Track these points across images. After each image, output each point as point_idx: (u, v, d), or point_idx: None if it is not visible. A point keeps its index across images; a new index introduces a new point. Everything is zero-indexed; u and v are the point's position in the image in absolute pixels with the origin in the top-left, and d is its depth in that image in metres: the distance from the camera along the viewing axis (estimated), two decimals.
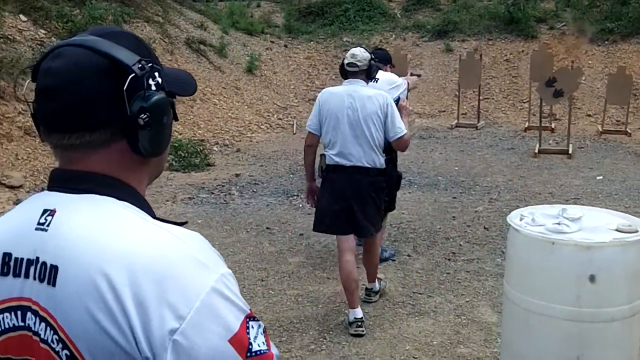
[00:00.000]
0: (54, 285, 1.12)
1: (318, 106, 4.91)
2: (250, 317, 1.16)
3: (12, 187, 8.74)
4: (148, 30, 14.48)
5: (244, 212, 7.85)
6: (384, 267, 6.00)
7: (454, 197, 8.41)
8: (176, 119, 1.31)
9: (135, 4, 15.05)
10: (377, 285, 5.31)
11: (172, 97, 1.28)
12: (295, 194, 8.65)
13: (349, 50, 4.98)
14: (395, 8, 19.64)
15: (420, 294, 5.43)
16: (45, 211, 1.19)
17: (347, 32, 18.49)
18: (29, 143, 9.75)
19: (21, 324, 1.17)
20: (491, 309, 5.12)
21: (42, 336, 1.15)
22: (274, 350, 1.18)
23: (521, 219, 3.34)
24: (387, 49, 7.76)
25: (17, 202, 8.32)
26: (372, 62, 4.84)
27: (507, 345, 3.55)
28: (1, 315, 1.19)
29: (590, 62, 15.38)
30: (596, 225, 3.26)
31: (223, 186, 9.12)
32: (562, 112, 13.61)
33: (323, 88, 16.52)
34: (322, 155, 4.92)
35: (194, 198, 8.48)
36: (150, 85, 1.21)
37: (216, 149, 11.65)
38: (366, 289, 5.33)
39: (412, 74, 9.06)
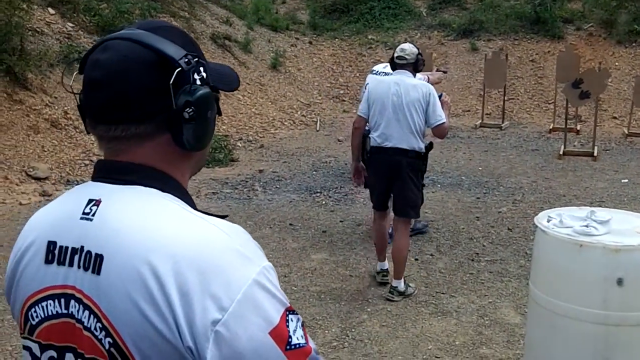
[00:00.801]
0: (98, 273, 1.14)
1: (367, 93, 5.33)
2: (290, 311, 1.17)
3: (38, 179, 8.83)
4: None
5: (267, 208, 7.87)
6: (407, 266, 5.99)
7: (478, 198, 8.37)
8: (220, 114, 1.30)
9: None
10: (402, 285, 5.33)
11: (216, 92, 1.27)
12: (318, 190, 8.66)
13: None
14: (420, 6, 19.55)
15: (443, 293, 5.42)
16: (90, 201, 1.20)
17: (372, 30, 18.43)
18: (55, 135, 9.84)
19: (64, 311, 1.19)
20: (514, 310, 5.09)
21: (85, 324, 1.16)
22: (312, 344, 1.18)
23: (548, 221, 3.32)
24: None
25: (42, 193, 8.42)
26: (419, 56, 5.31)
27: (531, 347, 3.52)
28: (45, 302, 1.21)
29: (617, 63, 15.22)
30: (624, 228, 3.23)
31: (246, 182, 9.16)
32: (588, 113, 13.49)
33: (347, 86, 16.55)
34: (368, 138, 5.34)
35: (217, 193, 8.52)
36: (196, 79, 1.21)
37: (240, 145, 11.69)
38: (391, 286, 5.37)
39: (438, 70, 9.08)
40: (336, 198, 8.37)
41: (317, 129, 13.71)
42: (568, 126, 11.65)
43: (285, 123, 13.85)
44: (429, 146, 5.44)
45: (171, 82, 1.17)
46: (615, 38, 15.81)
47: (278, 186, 8.94)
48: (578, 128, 12.92)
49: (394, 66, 5.32)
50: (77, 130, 10.16)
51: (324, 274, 5.82)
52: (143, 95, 1.18)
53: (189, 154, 1.27)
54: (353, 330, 4.79)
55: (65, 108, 10.38)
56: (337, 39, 18.23)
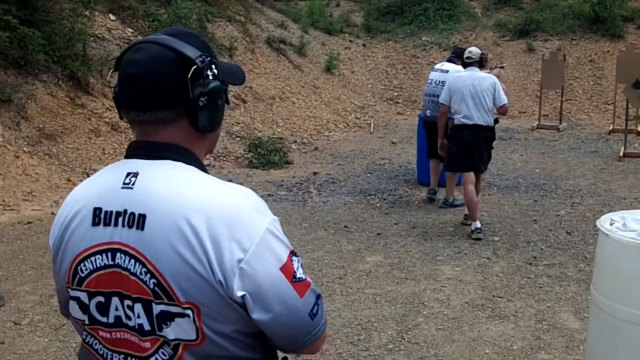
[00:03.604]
0: (142, 229, 1.42)
1: (448, 86, 7.03)
2: (293, 253, 1.49)
3: None
4: (230, 29, 14.74)
5: (322, 210, 7.90)
6: (462, 269, 5.95)
7: (535, 200, 8.24)
8: (228, 103, 1.61)
9: (218, 3, 15.34)
10: (478, 223, 6.85)
11: (225, 85, 1.56)
12: (372, 193, 8.65)
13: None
14: (476, 7, 19.36)
15: (500, 297, 5.35)
16: (129, 174, 1.48)
17: (426, 32, 18.33)
18: (115, 138, 10.07)
19: (111, 262, 1.46)
20: (573, 315, 5.00)
21: (131, 270, 1.43)
22: (310, 280, 1.51)
23: (611, 224, 3.25)
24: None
25: None
26: (482, 55, 7.18)
27: (592, 352, 3.46)
28: (93, 257, 1.48)
29: None
30: None
31: (301, 184, 9.21)
32: None
33: (401, 88, 16.49)
34: (451, 119, 6.93)
35: (273, 195, 8.59)
36: (208, 75, 1.50)
37: (294, 147, 11.76)
38: (475, 228, 6.84)
39: (496, 66, 9.17)
40: (390, 200, 8.35)
41: (371, 131, 13.70)
42: (628, 127, 11.41)
43: (339, 125, 13.88)
44: (496, 121, 7.07)
45: (189, 76, 1.46)
46: None
47: (332, 188, 8.97)
48: (639, 129, 12.62)
49: (465, 65, 7.18)
50: None
51: (379, 277, 5.82)
52: (167, 87, 1.47)
53: (203, 135, 1.56)
54: (409, 333, 4.77)
55: None
56: (390, 41, 18.19)
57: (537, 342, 4.61)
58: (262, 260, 1.40)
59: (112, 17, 12.45)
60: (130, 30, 12.48)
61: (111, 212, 1.46)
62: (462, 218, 7.42)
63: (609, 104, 14.18)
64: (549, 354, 4.46)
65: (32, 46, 9.53)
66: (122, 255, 1.44)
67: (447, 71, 7.93)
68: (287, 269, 1.44)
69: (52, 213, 7.86)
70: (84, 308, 1.52)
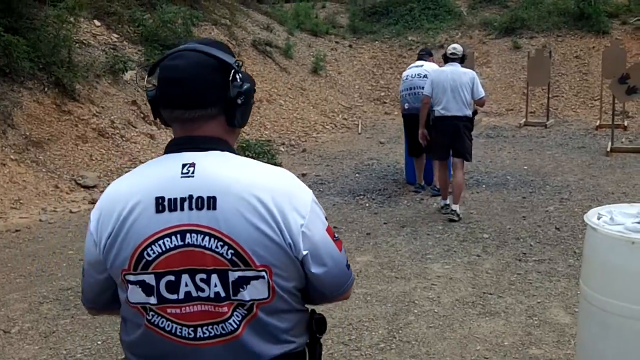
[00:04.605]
0: (214, 209, 1.63)
1: (431, 80, 7.53)
2: (326, 218, 1.81)
3: (87, 187, 9.02)
4: (216, 33, 14.71)
5: None
6: (452, 267, 5.95)
7: (524, 197, 8.27)
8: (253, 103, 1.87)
9: (203, 7, 15.33)
10: (459, 209, 7.34)
11: (254, 86, 1.83)
12: (361, 193, 8.65)
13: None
14: (461, 6, 19.42)
15: (490, 294, 5.35)
16: (184, 165, 1.68)
17: (412, 31, 18.38)
18: (102, 144, 10.03)
19: (181, 243, 1.64)
20: (564, 310, 5.01)
21: (206, 246, 1.64)
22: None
23: (599, 218, 3.26)
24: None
25: (91, 201, 8.58)
26: (464, 52, 7.69)
27: (582, 347, 3.47)
28: (162, 240, 1.65)
29: None
30: None
31: None
32: (636, 109, 13.26)
33: (388, 88, 16.54)
34: (432, 111, 7.49)
35: None
36: (240, 77, 1.75)
37: (282, 149, 11.76)
38: (451, 210, 7.34)
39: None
40: (379, 200, 8.36)
41: (359, 131, 13.70)
42: (615, 122, 11.46)
43: (327, 127, 13.88)
44: (474, 112, 7.63)
45: (230, 79, 1.72)
46: None
47: (321, 189, 8.96)
48: (625, 124, 12.69)
49: (447, 60, 7.56)
50: (124, 139, 10.34)
51: (369, 276, 5.81)
52: (210, 88, 1.71)
53: (234, 130, 1.82)
54: (400, 331, 4.77)
55: (112, 117, 10.57)
56: (377, 42, 18.22)
57: (527, 338, 4.61)
58: (315, 224, 1.72)
59: (97, 23, 12.41)
60: (115, 35, 12.44)
61: (175, 199, 1.65)
62: (447, 213, 7.54)
63: (595, 100, 14.25)
64: (540, 349, 4.46)
65: (17, 53, 9.49)
66: (194, 235, 1.64)
67: (421, 65, 8.64)
68: (329, 230, 1.77)
69: (40, 220, 7.83)
70: (150, 290, 1.68)
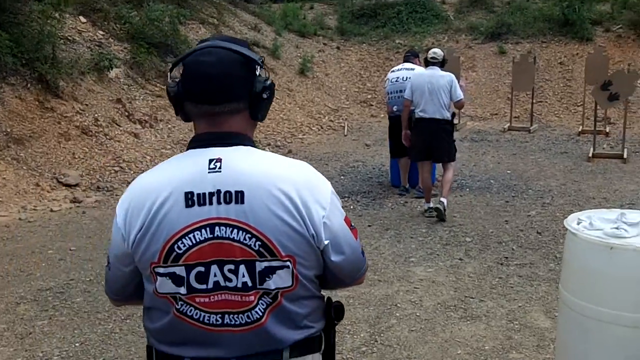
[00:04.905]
0: (242, 202, 1.72)
1: (411, 84, 7.76)
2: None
3: (68, 186, 8.94)
4: (203, 32, 14.67)
5: None
6: (434, 271, 5.97)
7: (507, 201, 8.31)
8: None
9: (190, 5, 15.27)
10: (445, 201, 7.47)
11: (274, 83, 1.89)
12: (346, 195, 8.66)
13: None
14: (448, 10, 19.49)
15: (472, 298, 5.37)
16: (211, 160, 1.75)
17: (399, 34, 18.42)
18: (85, 142, 9.96)
19: (210, 235, 1.73)
20: (544, 315, 5.04)
21: (235, 238, 1.72)
22: None
23: (578, 223, 3.28)
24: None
25: (73, 200, 8.51)
26: (445, 57, 7.85)
27: (562, 351, 3.49)
28: (192, 234, 1.73)
29: None
30: None
31: None
32: (617, 115, 13.34)
33: (374, 90, 16.57)
34: (413, 112, 7.74)
35: None
36: (262, 73, 1.85)
37: (268, 150, 11.73)
38: (440, 201, 7.50)
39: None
40: (364, 202, 8.37)
41: (345, 133, 13.72)
42: (597, 128, 11.54)
43: (313, 128, 13.88)
44: (453, 115, 7.84)
45: (256, 74, 1.82)
46: None
47: None
48: (607, 130, 12.79)
49: (427, 64, 7.76)
50: (107, 137, 10.27)
51: None
52: (237, 83, 1.80)
53: (255, 124, 1.91)
54: (382, 335, 4.77)
55: (96, 115, 10.50)
56: (364, 44, 18.24)
57: (508, 342, 4.63)
58: (334, 215, 1.81)
59: (82, 19, 12.33)
60: (101, 32, 12.37)
61: (204, 193, 1.72)
62: (430, 216, 7.64)
63: (578, 106, 14.34)
64: (520, 353, 4.49)
65: (0, 48, 9.40)
66: (223, 227, 1.72)
67: (412, 69, 8.61)
68: (347, 220, 1.87)
69: (20, 219, 7.75)
70: (180, 281, 1.75)
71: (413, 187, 8.69)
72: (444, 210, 7.39)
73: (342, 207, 1.88)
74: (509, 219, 7.52)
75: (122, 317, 5.12)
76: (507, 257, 6.28)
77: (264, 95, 1.82)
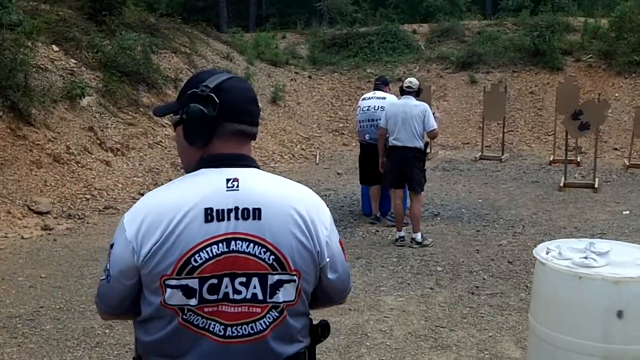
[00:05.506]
0: (259, 219, 1.82)
1: (385, 112, 7.95)
2: None
3: (40, 213, 8.83)
4: (175, 61, 14.68)
5: None
6: (405, 300, 5.96)
7: (478, 230, 8.35)
8: None
9: (163, 35, 15.28)
10: (419, 237, 7.66)
11: None
12: None
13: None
14: (419, 40, 19.72)
15: (442, 327, 5.37)
16: (228, 180, 1.85)
17: (371, 64, 18.59)
18: (57, 170, 9.86)
19: (226, 249, 1.80)
20: (515, 344, 5.04)
21: (250, 252, 1.81)
22: None
23: (547, 252, 3.31)
24: None
25: (44, 227, 8.41)
26: (420, 87, 8.00)
27: None
28: (209, 247, 1.80)
29: (617, 94, 15.31)
30: (624, 259, 3.22)
31: None
32: (588, 145, 13.53)
33: (346, 119, 16.60)
34: (387, 139, 7.90)
35: None
36: None
37: None
38: (411, 238, 7.70)
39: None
40: None
41: (317, 162, 13.75)
42: (568, 158, 11.66)
43: (285, 157, 13.90)
44: (426, 144, 8.01)
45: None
46: (615, 69, 15.91)
47: None
48: (579, 160, 12.95)
49: (403, 92, 7.89)
50: (79, 165, 10.19)
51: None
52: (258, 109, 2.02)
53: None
54: None
55: (68, 143, 10.42)
56: (336, 73, 18.36)
57: None
58: (334, 236, 1.95)
59: (55, 48, 12.27)
60: (73, 61, 12.31)
61: (222, 210, 1.80)
62: (402, 245, 7.74)
63: (549, 135, 14.53)
64: None
65: None
66: (239, 242, 1.80)
67: (384, 98, 8.77)
68: (341, 242, 2.01)
69: None
70: (192, 293, 1.80)
71: (384, 216, 8.71)
72: (419, 243, 7.63)
73: None
74: (480, 248, 7.56)
75: (92, 345, 5.05)
76: (477, 287, 6.30)
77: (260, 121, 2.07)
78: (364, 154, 8.87)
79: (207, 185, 1.85)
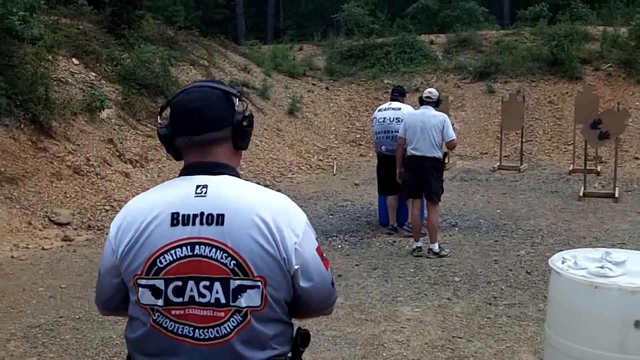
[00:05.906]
0: (222, 224, 1.87)
1: (404, 122, 7.96)
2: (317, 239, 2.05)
3: (60, 224, 8.94)
4: (193, 73, 14.79)
5: None
6: (422, 310, 5.95)
7: (496, 241, 8.32)
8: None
9: (181, 47, 15.43)
10: (436, 247, 7.67)
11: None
12: (334, 234, 8.66)
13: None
14: (436, 50, 19.73)
15: (460, 338, 5.35)
16: (198, 186, 1.92)
17: (388, 74, 18.61)
18: (77, 182, 9.97)
19: (190, 253, 1.87)
20: (533, 355, 5.02)
21: (212, 257, 1.86)
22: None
23: (563, 262, 3.30)
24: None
25: (64, 238, 8.51)
26: (440, 97, 8.00)
27: None
28: (174, 250, 1.88)
29: (637, 103, 15.21)
30: None
31: None
32: (608, 154, 13.43)
33: (363, 130, 16.63)
34: (405, 150, 7.87)
35: None
36: (240, 105, 2.04)
37: None
38: (428, 249, 7.71)
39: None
40: (352, 242, 8.37)
41: (334, 173, 13.76)
42: (588, 167, 11.58)
43: (302, 167, 13.93)
44: (445, 154, 7.98)
45: (236, 105, 2.02)
46: (635, 78, 15.80)
47: None
48: (598, 169, 12.85)
49: (422, 102, 7.89)
50: (99, 176, 10.29)
51: (339, 318, 5.78)
52: (218, 113, 1.99)
53: (239, 153, 2.08)
54: None
55: (88, 155, 10.54)
56: (353, 84, 18.41)
57: None
58: (307, 243, 1.94)
59: (75, 61, 12.43)
60: (93, 74, 12.46)
61: (189, 214, 1.89)
62: (419, 255, 7.73)
63: (568, 145, 14.44)
64: None
65: None
66: (202, 246, 1.87)
67: (399, 109, 8.78)
68: (319, 250, 2.00)
69: (12, 257, 7.73)
70: (158, 293, 1.89)
71: (401, 226, 8.71)
72: (437, 254, 7.62)
73: (331, 245, 1.96)
74: (498, 258, 7.53)
75: (110, 355, 5.10)
76: (495, 297, 6.27)
77: (244, 123, 2.01)
78: (382, 165, 8.91)
79: (177, 191, 1.95)
